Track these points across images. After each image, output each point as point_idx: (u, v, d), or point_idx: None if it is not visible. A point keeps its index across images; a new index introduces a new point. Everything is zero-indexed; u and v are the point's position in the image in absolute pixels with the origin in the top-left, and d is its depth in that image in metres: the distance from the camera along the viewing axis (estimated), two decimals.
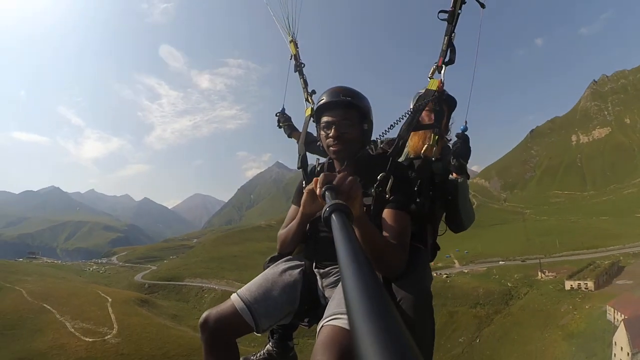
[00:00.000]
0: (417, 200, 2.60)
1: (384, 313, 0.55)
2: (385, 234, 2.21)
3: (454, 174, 2.86)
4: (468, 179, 2.93)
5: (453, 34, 2.71)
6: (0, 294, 52.48)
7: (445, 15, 2.70)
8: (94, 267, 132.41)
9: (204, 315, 2.29)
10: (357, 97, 2.49)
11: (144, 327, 49.37)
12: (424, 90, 2.90)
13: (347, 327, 1.72)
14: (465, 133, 2.84)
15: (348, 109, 2.47)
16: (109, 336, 39.89)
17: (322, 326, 1.91)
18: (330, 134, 2.47)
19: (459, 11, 2.69)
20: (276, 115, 4.13)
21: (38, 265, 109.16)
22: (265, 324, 2.37)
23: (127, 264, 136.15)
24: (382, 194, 2.34)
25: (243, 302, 2.34)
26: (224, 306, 2.36)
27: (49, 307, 53.26)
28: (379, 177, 2.36)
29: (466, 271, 71.54)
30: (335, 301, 2.04)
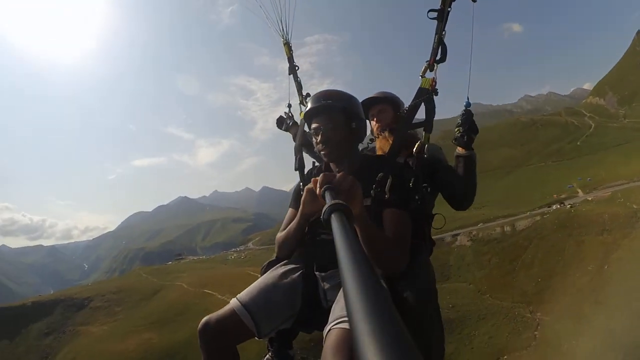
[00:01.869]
0: (416, 197, 2.56)
1: (383, 313, 0.55)
2: (386, 233, 2.23)
3: (462, 149, 2.97)
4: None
5: (444, 32, 2.68)
6: (164, 291, 59.89)
7: (435, 14, 2.68)
8: (235, 254, 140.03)
9: (204, 320, 2.26)
10: (339, 99, 2.52)
11: None
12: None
13: None
14: (469, 109, 2.92)
15: (331, 112, 2.50)
16: None
17: (330, 330, 1.89)
18: (318, 140, 2.51)
19: (449, 9, 2.68)
20: (279, 120, 3.79)
21: (187, 263, 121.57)
22: (266, 329, 2.34)
23: (262, 247, 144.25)
24: (381, 194, 2.36)
25: (243, 306, 2.31)
26: (223, 311, 2.32)
27: (209, 291, 59.85)
28: (377, 178, 2.39)
29: (590, 199, 68.95)
30: (341, 304, 1.99)
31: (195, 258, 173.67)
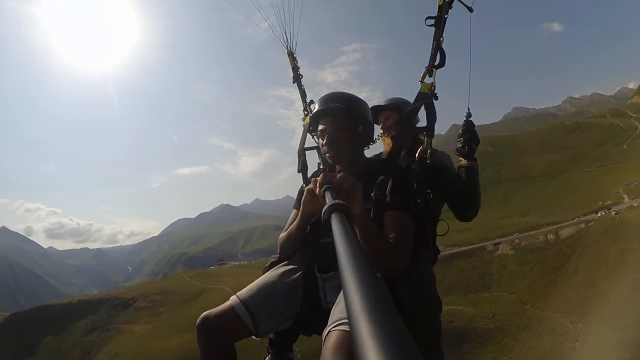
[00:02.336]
0: (417, 201, 2.59)
1: (384, 314, 0.55)
2: (387, 234, 2.21)
3: (463, 160, 2.99)
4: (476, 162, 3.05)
5: (441, 39, 2.75)
6: (206, 294, 61.28)
7: (432, 21, 2.74)
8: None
9: (202, 316, 2.26)
10: (346, 102, 2.53)
11: None
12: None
13: None
14: (470, 119, 2.97)
15: (338, 114, 2.51)
16: None
17: (329, 331, 1.87)
18: (324, 142, 2.53)
19: (446, 16, 2.73)
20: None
21: (228, 268, 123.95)
22: (265, 328, 2.34)
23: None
24: (381, 197, 2.34)
25: (243, 304, 2.30)
26: (223, 307, 2.32)
27: None
28: (378, 181, 2.36)
29: (636, 204, 66.58)
30: (341, 306, 1.97)
31: (236, 263, 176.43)
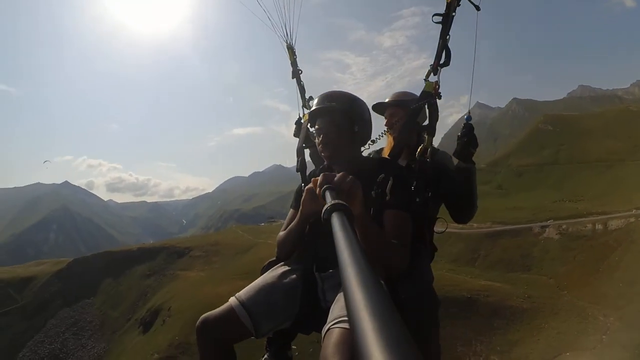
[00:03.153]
0: (417, 200, 2.58)
1: (384, 312, 0.55)
2: (386, 233, 2.22)
3: (461, 162, 3.02)
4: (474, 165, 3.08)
5: (448, 36, 2.71)
6: (257, 248, 62.03)
7: (440, 18, 2.69)
8: None
9: (201, 319, 2.29)
10: (343, 101, 2.52)
11: None
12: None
13: None
14: (470, 123, 3.01)
15: (334, 114, 2.50)
16: None
17: (329, 329, 1.88)
18: (319, 141, 2.53)
19: (454, 14, 2.69)
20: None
21: (278, 226, 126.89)
22: (264, 328, 2.35)
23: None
24: (382, 195, 2.35)
25: (242, 305, 2.32)
26: (222, 309, 2.33)
27: None
28: (378, 179, 2.37)
29: None
30: (340, 304, 1.97)
31: None
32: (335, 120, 2.51)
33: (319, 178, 1.78)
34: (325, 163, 2.72)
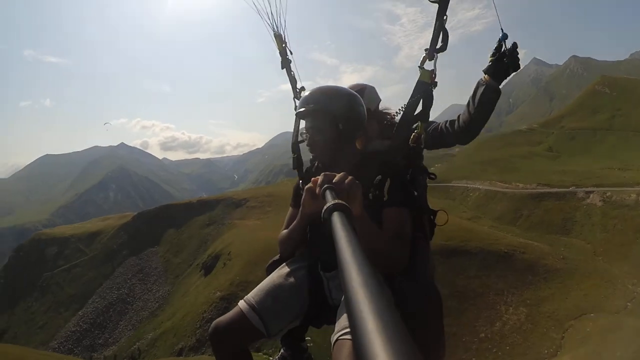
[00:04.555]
0: (415, 193, 2.49)
1: (384, 314, 0.55)
2: (386, 232, 2.21)
3: (486, 77, 2.61)
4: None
5: (445, 17, 2.45)
6: None
7: None
8: None
9: (213, 324, 2.33)
10: (322, 102, 2.45)
11: None
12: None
13: None
14: (506, 40, 2.57)
15: (316, 115, 2.48)
16: None
17: (337, 340, 1.91)
18: (306, 143, 2.58)
19: None
20: None
21: None
22: (275, 328, 2.39)
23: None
24: (379, 197, 2.34)
25: (250, 307, 2.36)
26: (232, 314, 2.37)
27: None
28: (374, 181, 2.36)
29: None
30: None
31: None
32: (318, 121, 2.49)
33: (319, 178, 1.77)
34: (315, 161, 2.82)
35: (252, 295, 2.47)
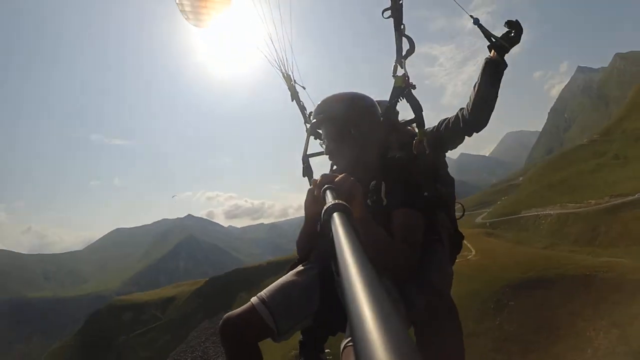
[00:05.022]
0: (425, 194, 2.45)
1: (384, 317, 0.53)
2: (394, 235, 2.18)
3: (493, 54, 2.67)
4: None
5: (402, 26, 2.60)
6: None
7: (389, 13, 2.61)
8: None
9: (224, 318, 2.33)
10: (333, 111, 2.48)
11: (495, 247, 49.62)
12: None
13: None
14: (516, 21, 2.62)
15: (327, 123, 2.53)
16: (470, 256, 44.32)
17: (344, 347, 1.88)
18: (325, 151, 2.62)
19: (401, 1, 2.58)
20: None
21: None
22: (285, 326, 2.37)
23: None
24: (377, 202, 2.33)
25: (261, 301, 2.36)
26: (243, 308, 2.37)
27: None
28: (370, 186, 2.35)
29: None
30: None
31: None
32: (330, 129, 2.53)
33: (319, 179, 1.78)
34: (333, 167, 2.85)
35: (265, 292, 2.46)
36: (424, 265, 2.26)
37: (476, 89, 2.76)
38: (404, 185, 2.35)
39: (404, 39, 2.71)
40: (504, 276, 32.98)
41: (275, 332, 2.36)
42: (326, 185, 1.58)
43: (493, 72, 2.69)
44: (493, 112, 2.76)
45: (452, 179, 3.18)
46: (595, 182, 65.20)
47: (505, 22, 2.66)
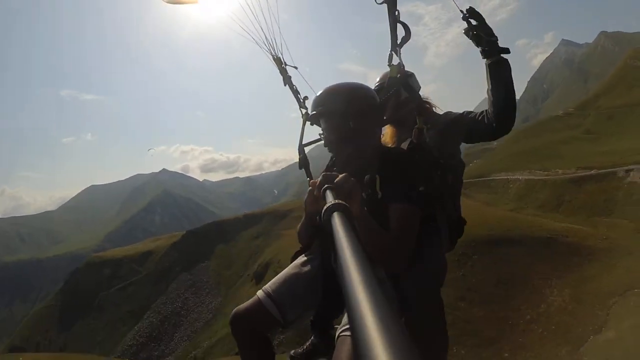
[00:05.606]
0: (420, 188, 2.34)
1: (382, 312, 0.55)
2: (390, 230, 2.18)
3: (488, 59, 2.58)
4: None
5: (397, 12, 2.49)
6: None
7: None
8: None
9: (233, 312, 2.46)
10: (330, 102, 2.43)
11: (465, 206, 50.90)
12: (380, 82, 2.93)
13: None
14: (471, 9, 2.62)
15: (326, 116, 2.47)
16: None
17: (339, 336, 1.96)
18: (323, 143, 2.59)
19: None
20: None
21: None
22: (291, 315, 2.49)
23: None
24: (373, 195, 2.31)
25: (267, 295, 2.48)
26: (250, 302, 2.49)
27: None
28: (364, 180, 2.32)
29: None
30: None
31: None
32: (329, 122, 2.48)
33: (319, 179, 1.78)
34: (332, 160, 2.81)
35: (270, 284, 2.61)
36: (418, 258, 2.31)
37: (490, 96, 2.71)
38: (399, 179, 2.33)
39: (399, 25, 2.55)
40: (471, 232, 33.98)
41: (282, 324, 2.50)
42: (326, 185, 1.58)
43: (499, 71, 2.63)
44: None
45: (463, 165, 3.21)
46: (565, 153, 66.58)
47: (463, 16, 2.63)
